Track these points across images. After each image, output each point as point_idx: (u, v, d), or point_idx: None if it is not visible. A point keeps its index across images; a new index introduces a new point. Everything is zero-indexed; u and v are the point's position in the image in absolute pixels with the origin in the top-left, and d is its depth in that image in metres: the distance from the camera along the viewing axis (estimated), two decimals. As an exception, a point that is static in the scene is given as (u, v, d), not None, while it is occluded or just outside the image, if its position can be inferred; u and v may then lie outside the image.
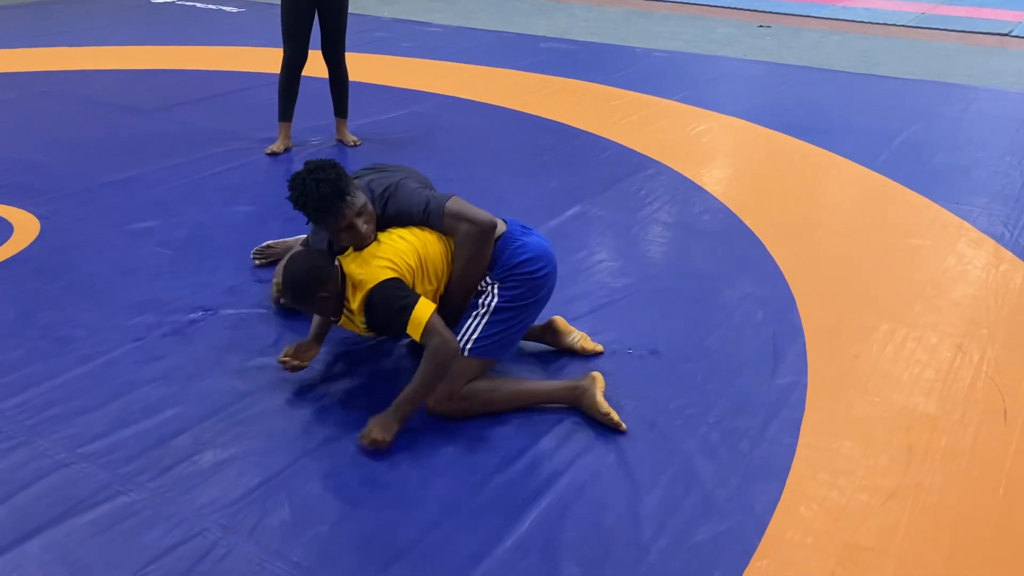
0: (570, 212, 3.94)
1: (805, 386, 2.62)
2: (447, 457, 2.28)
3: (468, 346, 2.40)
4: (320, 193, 2.32)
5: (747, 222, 3.86)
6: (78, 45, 7.10)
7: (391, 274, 2.33)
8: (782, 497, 2.16)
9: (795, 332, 2.93)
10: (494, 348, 2.44)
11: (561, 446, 2.33)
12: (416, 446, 2.31)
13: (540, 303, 2.53)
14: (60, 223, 3.64)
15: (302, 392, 2.53)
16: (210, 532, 1.99)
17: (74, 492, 2.10)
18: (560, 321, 2.78)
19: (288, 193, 2.39)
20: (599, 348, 2.77)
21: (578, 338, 2.76)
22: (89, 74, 6.19)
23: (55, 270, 3.22)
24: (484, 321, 2.42)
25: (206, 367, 2.64)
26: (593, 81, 6.33)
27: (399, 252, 2.38)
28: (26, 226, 3.58)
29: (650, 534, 2.03)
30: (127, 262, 3.30)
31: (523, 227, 2.58)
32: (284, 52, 4.54)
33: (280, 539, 1.98)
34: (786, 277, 3.33)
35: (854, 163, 4.70)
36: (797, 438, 2.38)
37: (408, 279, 2.36)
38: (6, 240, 3.45)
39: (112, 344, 2.74)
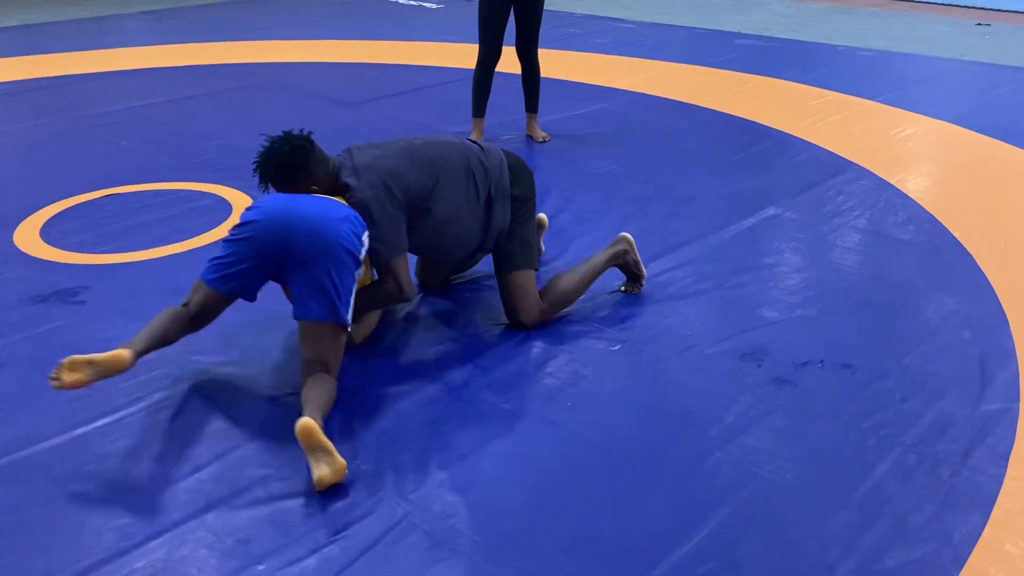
0: (762, 215, 3.83)
1: (1016, 414, 2.44)
2: (621, 456, 2.29)
3: None
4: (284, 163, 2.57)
5: (955, 233, 3.62)
6: (290, 39, 7.59)
7: None
8: (985, 531, 2.02)
9: (1007, 355, 2.73)
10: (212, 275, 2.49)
11: (744, 455, 2.28)
12: (589, 441, 2.33)
13: (250, 257, 2.45)
14: (272, 205, 3.91)
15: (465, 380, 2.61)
16: (407, 515, 2.09)
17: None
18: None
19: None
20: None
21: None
22: (302, 66, 6.60)
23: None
24: None
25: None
26: (791, 80, 6.11)
27: None
28: (243, 205, 3.87)
29: (837, 554, 1.95)
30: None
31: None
32: (479, 50, 4.68)
33: (463, 521, 2.05)
34: (998, 295, 3.10)
35: (1083, 174, 4.31)
36: (1005, 469, 2.22)
37: None
38: (227, 217, 3.76)
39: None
